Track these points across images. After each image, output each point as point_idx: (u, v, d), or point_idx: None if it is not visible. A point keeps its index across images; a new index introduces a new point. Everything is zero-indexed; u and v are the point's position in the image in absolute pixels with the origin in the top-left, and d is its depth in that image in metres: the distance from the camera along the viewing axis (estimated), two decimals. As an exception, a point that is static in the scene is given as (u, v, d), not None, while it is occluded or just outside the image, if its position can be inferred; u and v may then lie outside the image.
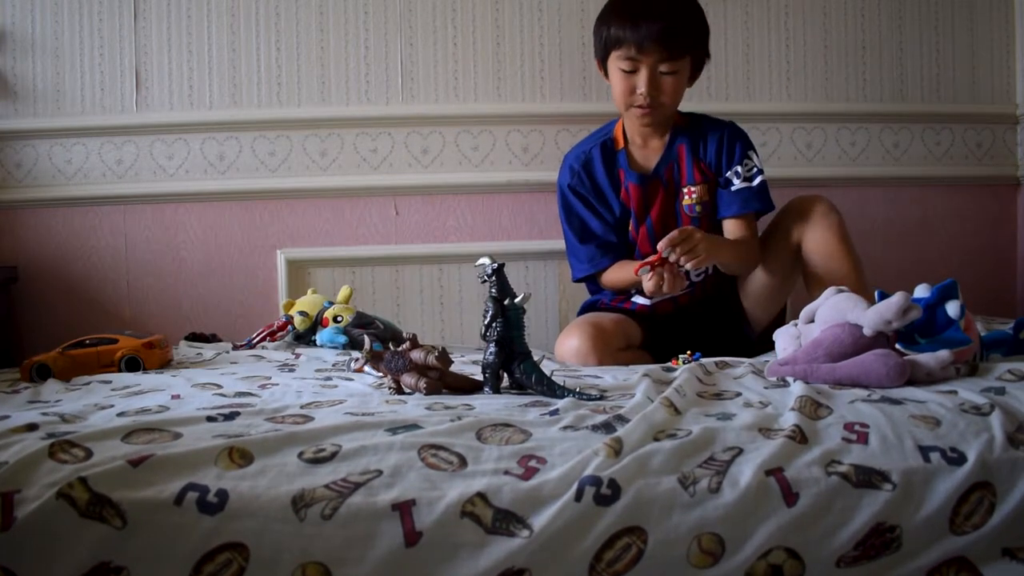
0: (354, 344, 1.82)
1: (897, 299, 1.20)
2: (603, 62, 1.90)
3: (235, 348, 1.92)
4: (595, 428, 0.99)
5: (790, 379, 1.22)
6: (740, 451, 0.93)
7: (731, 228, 1.88)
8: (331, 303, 1.95)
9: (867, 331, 1.22)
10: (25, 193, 2.25)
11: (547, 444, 0.95)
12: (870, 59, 2.40)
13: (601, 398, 1.17)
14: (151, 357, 1.61)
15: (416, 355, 1.26)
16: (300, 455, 0.91)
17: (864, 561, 0.88)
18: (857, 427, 0.98)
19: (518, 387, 1.26)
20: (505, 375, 1.27)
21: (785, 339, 1.39)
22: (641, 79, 1.81)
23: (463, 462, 0.91)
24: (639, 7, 1.81)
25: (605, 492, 0.87)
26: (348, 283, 2.08)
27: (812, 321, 1.33)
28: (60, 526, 0.83)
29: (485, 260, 1.27)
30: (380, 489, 0.87)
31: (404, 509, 0.85)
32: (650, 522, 0.86)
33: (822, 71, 2.39)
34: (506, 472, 0.90)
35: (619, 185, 1.95)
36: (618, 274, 1.92)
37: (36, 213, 2.26)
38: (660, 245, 1.63)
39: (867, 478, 0.90)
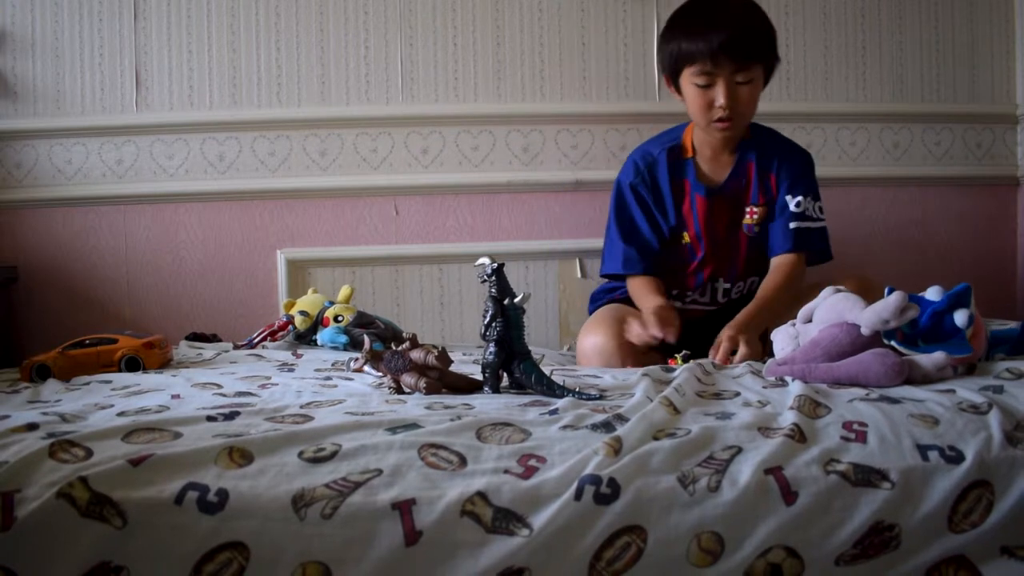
0: (355, 344, 1.82)
1: (895, 299, 1.20)
2: (673, 78, 1.84)
3: (236, 348, 1.92)
4: (595, 427, 1.00)
5: (788, 379, 1.22)
6: (739, 450, 0.93)
7: (782, 262, 1.84)
8: (332, 303, 1.95)
9: (865, 331, 1.22)
10: (25, 193, 2.25)
11: (547, 443, 0.95)
12: (870, 59, 2.40)
13: (600, 398, 1.17)
14: (151, 357, 1.62)
15: (416, 355, 1.26)
16: (300, 455, 0.91)
17: (863, 560, 0.88)
18: (856, 426, 0.98)
19: (518, 387, 1.26)
20: (505, 375, 1.27)
21: (783, 339, 1.39)
22: (719, 92, 1.75)
23: (463, 461, 0.91)
24: (707, 19, 1.76)
25: (605, 491, 0.87)
26: (348, 283, 2.08)
27: (810, 321, 1.33)
28: (60, 526, 0.83)
29: (485, 260, 1.27)
30: (380, 488, 0.87)
31: (404, 508, 0.85)
32: (650, 521, 0.86)
33: (822, 71, 2.39)
34: (506, 471, 0.90)
35: (683, 195, 1.90)
36: (641, 292, 1.87)
37: (36, 213, 2.26)
38: (716, 359, 1.56)
39: (866, 477, 0.90)
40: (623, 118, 2.33)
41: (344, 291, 1.99)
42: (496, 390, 1.26)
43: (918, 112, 2.41)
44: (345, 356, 1.68)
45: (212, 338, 2.14)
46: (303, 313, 1.93)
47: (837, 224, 2.40)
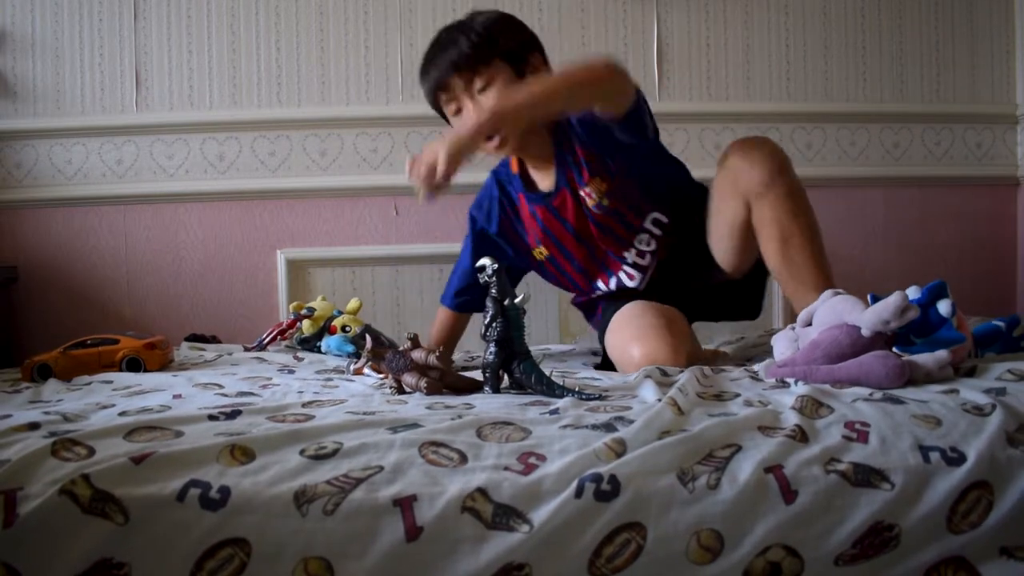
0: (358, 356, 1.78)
1: (895, 299, 1.20)
2: (445, 120, 1.72)
3: (247, 350, 1.90)
4: (595, 427, 1.00)
5: (790, 380, 1.22)
6: (739, 448, 0.93)
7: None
8: (340, 312, 1.93)
9: (865, 332, 1.22)
10: (25, 193, 2.26)
11: (547, 442, 0.95)
12: (870, 59, 2.40)
13: (600, 398, 1.17)
14: (152, 358, 1.62)
15: (417, 355, 1.26)
16: (302, 452, 0.92)
17: (862, 560, 0.88)
18: (858, 426, 0.98)
19: (518, 387, 1.27)
20: (505, 375, 1.27)
21: (783, 343, 1.39)
22: (468, 110, 1.62)
23: (463, 458, 0.92)
24: (430, 48, 1.67)
25: (605, 488, 0.87)
26: (348, 283, 2.08)
27: (810, 324, 1.33)
28: (62, 523, 0.83)
29: (486, 261, 1.27)
30: (381, 485, 0.87)
31: (405, 504, 0.86)
32: (649, 518, 0.86)
33: (822, 71, 2.39)
34: (506, 468, 0.90)
35: (521, 211, 1.79)
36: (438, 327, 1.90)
37: (36, 213, 2.27)
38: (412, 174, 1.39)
39: (866, 477, 0.90)
40: (623, 118, 2.33)
41: (352, 303, 1.98)
42: (496, 390, 1.26)
43: (918, 112, 2.41)
44: (345, 362, 1.67)
45: (211, 339, 2.14)
46: (310, 310, 1.92)
47: (837, 224, 2.41)
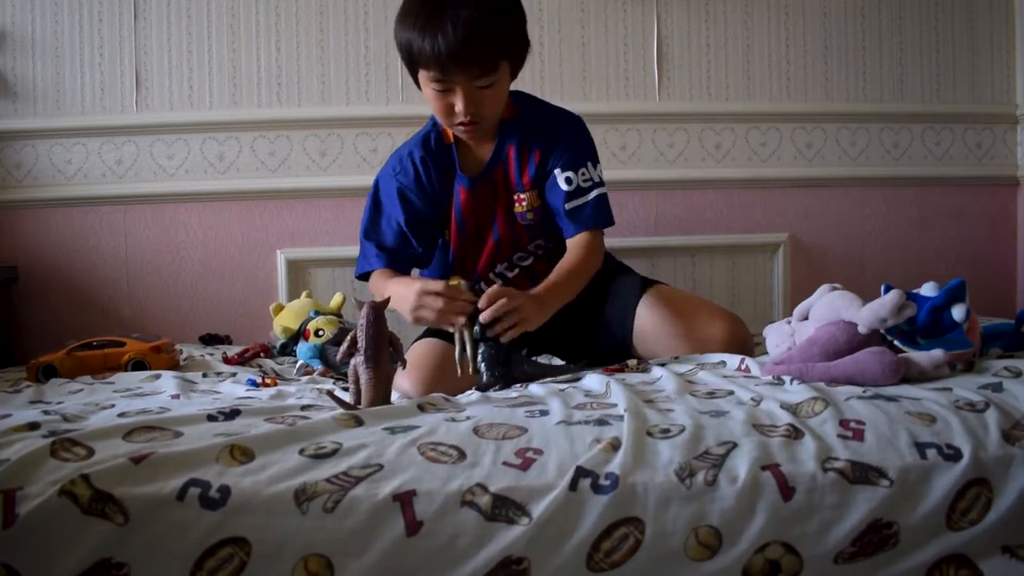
0: (329, 365, 1.68)
1: (892, 296, 1.20)
2: (411, 73, 1.59)
3: (226, 361, 1.81)
4: (587, 423, 1.00)
5: (786, 378, 1.22)
6: (735, 445, 0.94)
7: (573, 244, 1.67)
8: (318, 313, 1.86)
9: (862, 329, 1.22)
10: (25, 193, 2.26)
11: (543, 438, 0.96)
12: (870, 59, 2.40)
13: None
14: (158, 361, 1.61)
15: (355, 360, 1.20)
16: (301, 452, 0.92)
17: (862, 558, 0.88)
18: (853, 424, 0.98)
19: (525, 377, 1.32)
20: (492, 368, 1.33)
21: (777, 336, 1.39)
22: (458, 99, 1.53)
23: (462, 455, 0.92)
24: (437, 17, 1.47)
25: (603, 483, 0.87)
26: (348, 283, 2.08)
27: (806, 319, 1.33)
28: (62, 523, 0.83)
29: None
30: (381, 482, 0.88)
31: (405, 500, 0.86)
32: (647, 513, 0.87)
33: (822, 71, 2.39)
34: (504, 463, 0.91)
35: (450, 186, 1.70)
36: (383, 280, 1.65)
37: (36, 213, 2.27)
38: (483, 316, 1.39)
39: (864, 475, 0.90)
40: (623, 118, 2.33)
41: (336, 299, 1.97)
42: (497, 383, 1.32)
43: (918, 112, 2.41)
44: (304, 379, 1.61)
45: (225, 339, 2.14)
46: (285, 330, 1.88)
47: (837, 224, 2.41)
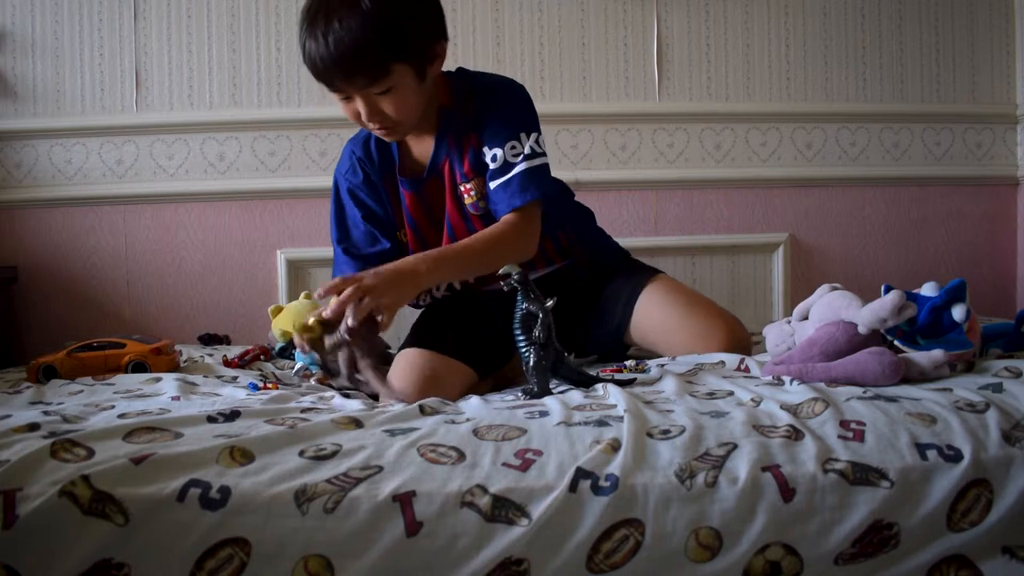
0: (327, 371, 1.66)
1: (892, 297, 1.19)
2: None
3: (226, 364, 1.78)
4: (587, 423, 1.00)
5: (785, 378, 1.22)
6: (735, 447, 0.94)
7: (499, 223, 1.52)
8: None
9: (862, 329, 1.22)
10: (25, 193, 2.26)
11: (543, 439, 0.96)
12: (870, 59, 2.40)
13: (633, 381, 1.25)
14: (159, 363, 1.61)
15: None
16: (301, 453, 0.92)
17: (862, 559, 0.88)
18: (854, 425, 0.98)
19: (569, 383, 1.27)
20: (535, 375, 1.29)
21: (777, 335, 1.39)
22: (360, 107, 1.43)
23: (461, 456, 0.92)
24: (315, 28, 1.36)
25: (603, 484, 0.87)
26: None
27: (806, 319, 1.33)
28: (62, 523, 0.83)
29: (510, 269, 1.25)
30: (381, 482, 0.88)
31: (405, 500, 0.86)
32: (647, 514, 0.87)
33: (822, 71, 2.39)
34: (504, 464, 0.91)
35: (394, 188, 1.61)
36: None
37: (36, 213, 2.27)
38: (326, 314, 1.27)
39: (864, 476, 0.90)
40: (623, 118, 2.34)
41: (335, 300, 1.94)
42: (547, 391, 1.23)
43: (918, 112, 2.41)
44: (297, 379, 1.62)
45: (224, 339, 2.13)
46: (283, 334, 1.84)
47: (837, 224, 2.41)
